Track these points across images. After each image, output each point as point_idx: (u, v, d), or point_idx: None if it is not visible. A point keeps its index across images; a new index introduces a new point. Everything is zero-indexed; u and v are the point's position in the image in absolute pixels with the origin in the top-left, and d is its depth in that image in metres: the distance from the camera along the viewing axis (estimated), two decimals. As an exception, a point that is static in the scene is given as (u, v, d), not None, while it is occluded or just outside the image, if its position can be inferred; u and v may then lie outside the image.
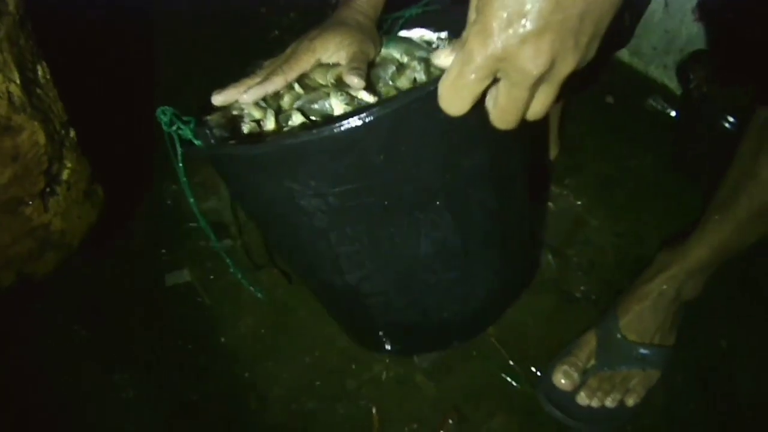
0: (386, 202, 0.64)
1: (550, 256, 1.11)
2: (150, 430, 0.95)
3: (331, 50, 0.72)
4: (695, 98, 1.17)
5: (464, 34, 0.48)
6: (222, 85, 0.72)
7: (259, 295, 0.90)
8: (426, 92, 0.53)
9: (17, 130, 0.74)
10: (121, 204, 1.06)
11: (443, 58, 0.53)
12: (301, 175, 0.61)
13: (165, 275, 1.09)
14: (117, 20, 1.45)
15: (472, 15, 0.47)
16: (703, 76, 1.17)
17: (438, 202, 0.66)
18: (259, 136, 0.68)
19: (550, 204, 1.19)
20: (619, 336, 0.96)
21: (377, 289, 0.76)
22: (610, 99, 1.39)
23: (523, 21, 0.44)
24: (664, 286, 0.95)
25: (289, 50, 0.74)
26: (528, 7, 0.43)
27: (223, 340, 1.02)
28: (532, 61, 0.45)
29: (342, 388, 0.97)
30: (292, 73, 0.71)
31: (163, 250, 1.12)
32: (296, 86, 0.71)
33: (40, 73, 0.79)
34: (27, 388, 0.96)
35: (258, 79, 0.70)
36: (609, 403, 0.94)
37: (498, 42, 0.45)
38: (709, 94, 1.15)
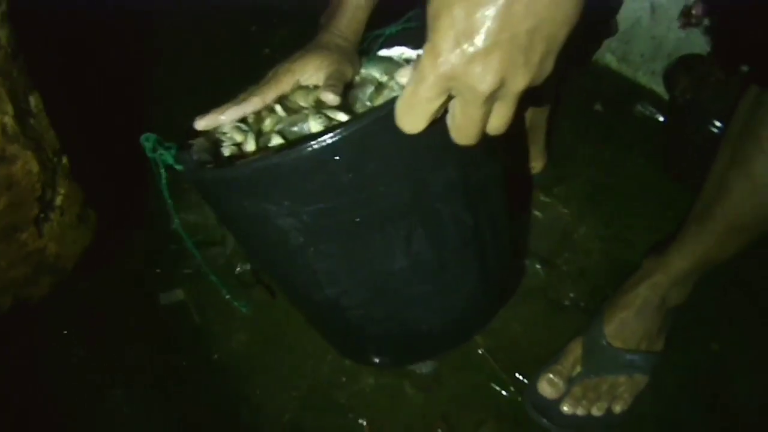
0: (357, 219, 0.65)
1: (538, 265, 1.12)
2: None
3: (310, 72, 0.74)
4: (681, 104, 1.18)
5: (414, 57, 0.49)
6: (210, 107, 0.74)
7: (244, 309, 0.92)
8: (387, 111, 0.54)
9: (11, 159, 0.77)
10: (116, 224, 1.09)
11: (405, 77, 0.54)
12: (274, 195, 0.62)
13: (160, 294, 1.11)
14: (103, 50, 1.46)
15: (428, 34, 0.48)
16: (690, 82, 1.18)
17: (409, 218, 0.67)
18: (236, 158, 0.70)
19: (538, 213, 1.20)
20: (604, 343, 0.97)
21: (356, 302, 0.77)
22: (598, 106, 1.39)
23: (471, 40, 0.44)
24: (649, 293, 0.96)
25: (270, 73, 0.76)
26: (476, 26, 0.44)
27: (216, 356, 1.04)
28: (480, 80, 0.46)
29: (333, 401, 0.99)
30: (271, 94, 0.72)
31: (158, 270, 1.14)
32: (278, 109, 0.73)
33: (32, 103, 0.82)
34: (24, 408, 0.98)
35: (236, 101, 0.72)
36: (595, 411, 0.94)
37: (447, 62, 0.46)
38: (695, 99, 1.16)
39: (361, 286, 0.75)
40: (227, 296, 0.84)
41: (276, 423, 0.97)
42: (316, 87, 0.75)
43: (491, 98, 0.48)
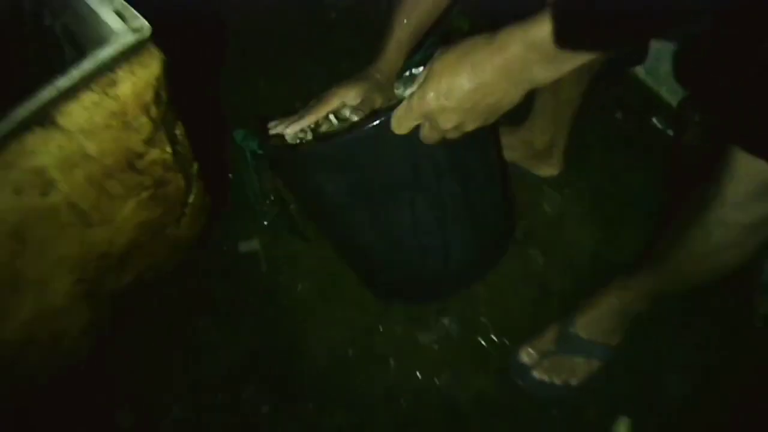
0: (376, 188, 0.94)
1: (539, 255, 1.36)
2: (224, 370, 1.20)
3: (351, 96, 1.00)
4: (685, 141, 1.35)
5: (414, 89, 0.78)
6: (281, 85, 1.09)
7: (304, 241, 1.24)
8: (389, 116, 0.81)
9: (168, 182, 0.95)
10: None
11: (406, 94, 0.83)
12: (326, 169, 0.93)
13: (239, 243, 1.33)
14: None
15: (421, 78, 0.75)
16: (696, 123, 1.34)
17: (411, 189, 0.94)
18: (300, 145, 0.98)
19: (548, 209, 1.40)
20: (573, 331, 1.24)
21: (380, 248, 1.06)
22: (619, 114, 1.49)
23: (447, 99, 0.72)
24: (615, 302, 1.20)
25: (323, 94, 1.02)
26: (452, 93, 0.71)
27: (283, 300, 1.28)
28: (444, 122, 0.75)
29: (370, 344, 1.26)
30: (322, 112, 1.00)
31: (238, 224, 1.35)
32: (332, 117, 1.01)
33: (178, 133, 0.97)
34: (125, 329, 1.19)
35: (297, 117, 0.99)
36: (557, 380, 1.24)
37: (428, 105, 0.74)
38: (695, 141, 1.34)
39: (383, 236, 1.05)
40: (283, 232, 1.16)
41: (324, 356, 1.24)
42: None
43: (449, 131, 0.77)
